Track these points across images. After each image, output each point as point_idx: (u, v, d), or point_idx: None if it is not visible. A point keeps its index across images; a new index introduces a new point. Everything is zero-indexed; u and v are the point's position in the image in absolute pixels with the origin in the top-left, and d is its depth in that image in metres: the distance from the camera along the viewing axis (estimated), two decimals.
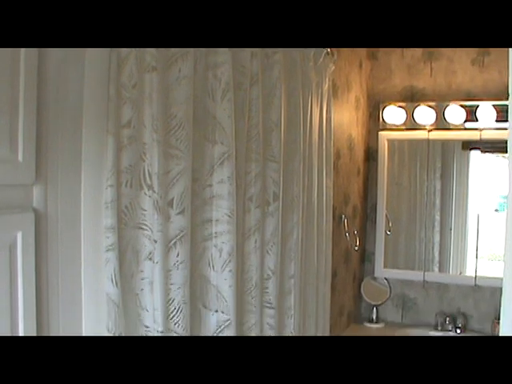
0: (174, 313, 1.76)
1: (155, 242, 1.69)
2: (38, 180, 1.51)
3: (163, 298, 1.71)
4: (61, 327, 1.60)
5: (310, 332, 2.69)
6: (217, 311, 1.94)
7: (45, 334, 1.55)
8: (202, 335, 1.93)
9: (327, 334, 3.00)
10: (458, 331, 3.54)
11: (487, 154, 3.59)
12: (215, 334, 1.94)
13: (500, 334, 1.40)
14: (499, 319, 3.30)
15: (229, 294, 1.93)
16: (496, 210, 3.70)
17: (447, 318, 3.59)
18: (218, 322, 1.94)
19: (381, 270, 3.84)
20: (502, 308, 1.38)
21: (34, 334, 1.50)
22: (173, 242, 1.74)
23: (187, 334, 1.80)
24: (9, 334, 1.43)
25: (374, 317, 3.79)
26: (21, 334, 1.46)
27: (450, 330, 3.56)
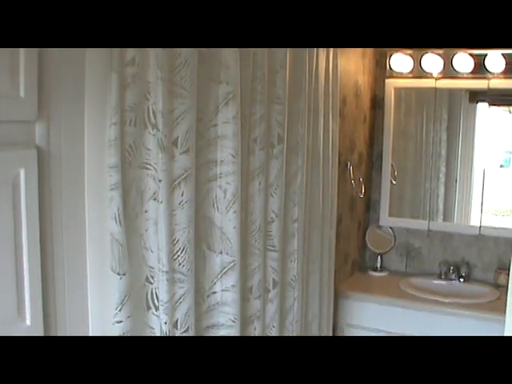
0: (179, 253, 1.76)
1: (160, 181, 1.68)
2: (41, 117, 1.49)
3: (168, 238, 1.71)
4: (65, 265, 1.60)
5: (314, 277, 2.70)
6: (221, 253, 1.93)
7: (49, 271, 1.55)
8: (206, 275, 1.93)
9: (332, 280, 3.00)
10: (462, 280, 3.54)
11: (494, 107, 3.53)
12: (219, 276, 1.94)
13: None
14: (502, 269, 3.33)
15: (233, 236, 1.92)
16: (501, 166, 3.67)
17: (451, 267, 3.59)
18: (222, 264, 1.94)
19: (386, 219, 3.83)
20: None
21: (38, 270, 1.49)
22: (177, 181, 1.73)
23: (192, 275, 1.80)
24: (13, 269, 1.43)
25: (378, 265, 3.80)
26: (25, 269, 1.46)
27: (454, 279, 3.56)
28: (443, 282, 3.58)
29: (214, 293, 1.96)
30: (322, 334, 2.95)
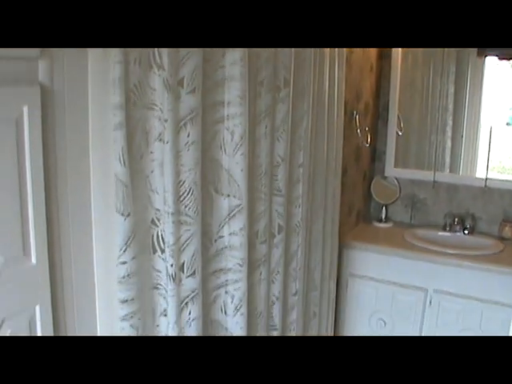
0: (185, 195, 1.73)
1: (165, 121, 1.64)
2: (43, 54, 1.45)
3: (174, 179, 1.68)
4: (70, 205, 1.58)
5: (318, 224, 2.69)
6: (228, 196, 1.91)
7: (53, 211, 1.54)
8: (214, 219, 1.92)
9: (336, 229, 2.99)
10: (466, 232, 3.53)
11: (504, 61, 3.46)
12: (227, 219, 1.92)
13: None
14: (506, 221, 3.31)
15: (240, 178, 1.90)
16: (507, 124, 3.62)
17: (456, 219, 3.57)
18: (229, 207, 1.92)
19: (391, 170, 3.80)
20: None
21: (43, 209, 1.48)
22: (183, 122, 1.69)
23: (198, 218, 1.78)
24: (17, 207, 1.41)
25: (383, 216, 3.78)
26: (30, 208, 1.44)
27: (459, 231, 3.55)
28: (448, 234, 3.57)
29: (222, 237, 1.95)
30: (325, 283, 2.95)
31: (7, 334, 1.44)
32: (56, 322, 1.59)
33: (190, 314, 1.81)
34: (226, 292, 2.00)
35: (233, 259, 1.97)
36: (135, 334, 1.72)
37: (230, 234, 1.95)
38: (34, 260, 1.48)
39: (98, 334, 1.73)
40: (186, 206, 1.74)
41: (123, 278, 1.65)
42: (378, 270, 3.33)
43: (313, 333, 2.91)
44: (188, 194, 1.74)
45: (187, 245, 1.76)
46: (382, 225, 3.75)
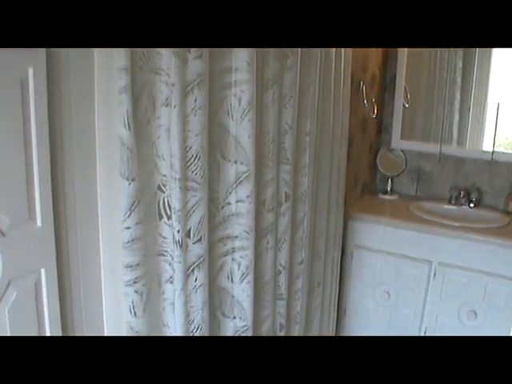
0: (192, 160, 1.71)
1: (172, 85, 1.62)
2: None
3: (180, 144, 1.66)
4: (75, 168, 1.57)
5: (323, 194, 2.67)
6: (236, 162, 1.89)
7: (59, 174, 1.53)
8: (221, 185, 1.90)
9: (341, 200, 2.98)
10: (472, 205, 3.51)
11: None
12: (234, 186, 1.91)
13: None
14: None
15: (248, 145, 1.88)
16: None
17: (461, 192, 3.55)
18: (236, 174, 1.90)
19: (397, 142, 3.78)
20: None
21: (48, 172, 1.46)
22: (190, 86, 1.67)
23: (205, 184, 1.76)
24: (23, 170, 1.40)
25: (389, 188, 3.77)
26: (35, 170, 1.43)
27: (464, 204, 3.54)
28: (453, 207, 3.56)
29: (229, 204, 1.93)
30: (329, 253, 2.95)
31: (13, 297, 1.44)
32: (61, 285, 1.58)
33: (196, 280, 1.81)
34: (233, 259, 1.99)
35: (240, 226, 1.96)
36: (139, 300, 1.71)
37: (237, 202, 1.93)
38: (39, 222, 1.47)
39: (103, 299, 1.73)
40: (192, 172, 1.72)
41: (127, 243, 1.64)
42: (383, 242, 3.33)
43: (317, 303, 2.91)
44: (195, 160, 1.72)
45: (194, 211, 1.75)
46: (387, 197, 3.74)
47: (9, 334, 1.46)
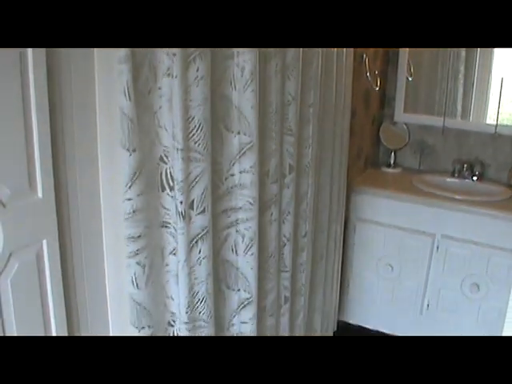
0: (194, 131, 1.69)
1: (174, 55, 1.59)
2: None
3: (182, 115, 1.63)
4: (76, 139, 1.55)
5: (326, 166, 2.66)
6: (239, 133, 1.86)
7: (59, 145, 1.51)
8: (224, 157, 1.88)
9: (343, 172, 2.96)
10: (475, 179, 3.50)
11: None
12: (238, 157, 1.88)
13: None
14: None
15: (250, 115, 1.85)
16: None
17: (465, 166, 3.53)
18: (240, 145, 1.87)
19: (400, 115, 3.74)
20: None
21: (48, 142, 1.44)
22: (192, 56, 1.63)
23: (208, 154, 1.74)
24: (22, 141, 1.38)
25: (392, 162, 3.74)
26: (35, 141, 1.41)
27: (467, 178, 3.52)
28: (456, 180, 3.54)
29: (232, 175, 1.91)
30: (332, 225, 2.94)
31: (15, 268, 1.43)
32: (63, 257, 1.57)
33: (200, 252, 1.79)
34: (237, 231, 1.97)
35: (243, 198, 1.94)
36: (142, 272, 1.70)
37: (241, 172, 1.91)
38: (40, 194, 1.45)
39: (105, 271, 1.72)
40: (195, 143, 1.70)
41: (129, 214, 1.62)
42: (386, 215, 3.32)
43: (320, 275, 2.91)
44: (197, 130, 1.69)
45: (197, 182, 1.73)
46: (390, 170, 3.72)
47: (12, 306, 1.44)
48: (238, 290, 2.05)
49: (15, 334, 1.47)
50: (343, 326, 3.55)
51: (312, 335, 3.07)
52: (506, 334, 1.19)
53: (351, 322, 3.65)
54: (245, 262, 2.00)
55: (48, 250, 1.50)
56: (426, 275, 3.31)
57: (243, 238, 1.97)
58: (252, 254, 2.00)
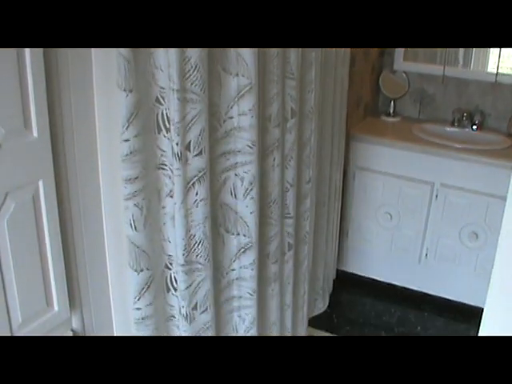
0: (191, 72, 1.65)
1: None
2: None
3: (179, 55, 1.60)
4: (71, 79, 1.52)
5: (327, 114, 2.63)
6: (237, 75, 1.82)
7: (54, 83, 1.48)
8: (222, 99, 1.84)
9: (343, 120, 2.93)
10: (475, 128, 3.47)
11: None
12: (236, 99, 1.85)
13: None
14: None
15: (249, 57, 1.79)
16: None
17: (465, 115, 3.50)
18: (238, 87, 1.83)
19: (400, 63, 3.69)
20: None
21: (43, 82, 1.42)
22: None
23: (205, 96, 1.71)
24: (17, 81, 1.35)
25: (391, 110, 3.71)
26: (29, 79, 1.38)
27: (467, 127, 3.49)
28: (456, 129, 3.52)
29: (231, 118, 1.87)
30: (333, 173, 2.93)
31: (11, 209, 1.42)
32: (60, 198, 1.56)
33: (197, 194, 1.78)
34: (236, 174, 1.95)
35: (242, 141, 1.91)
36: (139, 214, 1.69)
37: (240, 115, 1.87)
38: (35, 133, 1.43)
39: (103, 213, 1.72)
40: (192, 83, 1.67)
41: (126, 155, 1.60)
42: (386, 164, 3.30)
43: (323, 223, 2.92)
44: (194, 71, 1.66)
45: (194, 123, 1.70)
46: (390, 119, 3.69)
47: (9, 247, 1.44)
48: (238, 234, 2.04)
49: (12, 274, 1.47)
50: (342, 275, 3.56)
51: (315, 284, 3.09)
52: (492, 282, 1.18)
53: (350, 271, 3.67)
54: (244, 206, 1.99)
55: (44, 190, 1.49)
56: (424, 224, 3.32)
57: (242, 181, 1.95)
58: (252, 198, 1.98)
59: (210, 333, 2.05)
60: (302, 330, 2.85)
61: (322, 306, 3.27)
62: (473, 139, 3.38)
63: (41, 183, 1.48)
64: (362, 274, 3.65)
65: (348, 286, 3.56)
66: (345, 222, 3.52)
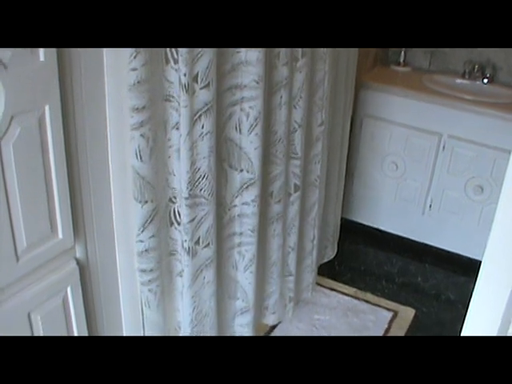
0: None
1: None
2: None
3: None
4: None
5: (342, 58, 2.61)
6: None
7: None
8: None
9: (354, 66, 2.90)
10: (486, 81, 3.43)
11: None
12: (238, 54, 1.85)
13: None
14: None
15: None
16: None
17: (476, 67, 3.46)
18: None
19: None
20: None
21: None
22: None
23: None
24: None
25: (402, 60, 3.65)
26: None
27: (478, 80, 3.45)
28: (466, 82, 3.47)
29: (238, 52, 1.84)
30: (345, 122, 2.91)
31: (17, 133, 1.42)
32: (66, 125, 1.56)
33: (203, 127, 1.77)
34: (242, 109, 1.94)
35: (249, 75, 1.87)
36: (145, 145, 1.70)
37: (247, 50, 1.86)
38: (42, 57, 1.42)
39: (108, 143, 1.71)
40: None
41: (133, 85, 1.60)
42: (394, 113, 3.27)
43: (334, 169, 2.92)
44: None
45: (201, 55, 1.68)
46: (399, 68, 3.64)
47: (14, 171, 1.44)
48: (241, 170, 2.04)
49: (18, 199, 1.48)
50: (345, 224, 3.57)
51: (325, 231, 3.10)
52: (492, 235, 1.17)
53: (354, 219, 3.67)
54: (248, 142, 1.98)
55: (50, 115, 1.49)
56: (430, 175, 3.30)
57: (247, 116, 1.94)
58: (256, 135, 1.98)
59: (211, 269, 2.07)
60: (310, 277, 2.87)
61: (331, 254, 3.29)
62: (483, 92, 3.34)
63: (47, 108, 1.48)
64: (366, 223, 3.65)
65: (351, 234, 3.57)
66: (350, 170, 3.50)
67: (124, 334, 2.07)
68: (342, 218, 3.47)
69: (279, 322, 2.80)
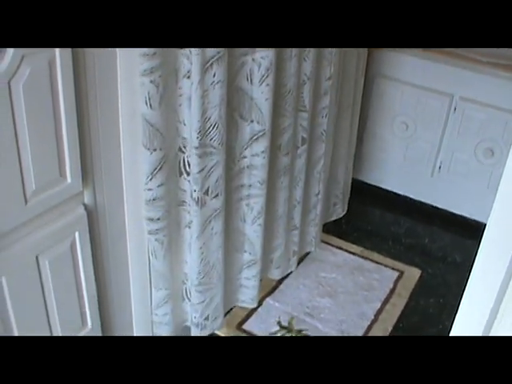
0: None
1: None
2: None
3: None
4: None
5: None
6: None
7: None
8: None
9: None
10: None
11: None
12: None
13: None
14: None
15: None
16: None
17: None
18: None
19: None
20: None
21: None
22: None
23: None
24: None
25: None
26: None
27: None
28: None
29: None
30: (359, 79, 2.88)
31: (27, 73, 1.41)
32: (76, 69, 1.55)
33: (214, 76, 1.75)
34: (253, 59, 1.85)
35: None
36: (155, 92, 1.69)
37: None
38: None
39: (118, 86, 1.70)
40: None
41: None
42: (405, 72, 3.24)
43: (346, 126, 2.90)
44: None
45: None
46: None
47: (24, 112, 1.44)
48: (252, 121, 2.03)
49: (27, 140, 1.48)
50: (354, 184, 3.55)
51: (335, 187, 3.09)
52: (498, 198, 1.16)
53: (362, 179, 3.66)
54: (259, 92, 1.97)
55: (61, 57, 1.48)
56: (440, 137, 3.28)
57: (259, 66, 1.92)
58: (268, 85, 1.96)
59: (220, 220, 2.08)
60: (313, 231, 2.87)
61: (341, 212, 3.29)
62: (498, 53, 3.28)
63: (57, 50, 1.47)
64: (374, 184, 3.64)
65: (359, 194, 3.56)
66: (360, 129, 3.48)
67: (130, 282, 2.08)
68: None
69: (284, 278, 2.82)
